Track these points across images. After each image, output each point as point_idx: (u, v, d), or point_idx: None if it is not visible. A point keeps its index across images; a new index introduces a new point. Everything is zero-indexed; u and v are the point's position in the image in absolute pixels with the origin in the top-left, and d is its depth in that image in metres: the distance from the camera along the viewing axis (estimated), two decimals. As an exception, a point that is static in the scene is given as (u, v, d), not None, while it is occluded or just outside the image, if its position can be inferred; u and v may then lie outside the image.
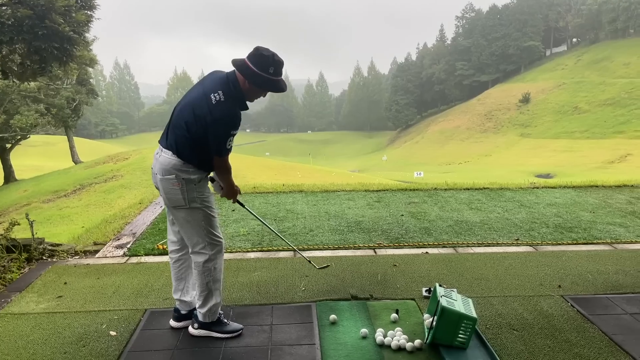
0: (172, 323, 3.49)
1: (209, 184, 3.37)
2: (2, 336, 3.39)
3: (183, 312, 3.48)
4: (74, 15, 5.21)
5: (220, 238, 3.29)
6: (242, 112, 3.08)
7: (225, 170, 3.21)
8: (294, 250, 3.77)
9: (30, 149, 50.29)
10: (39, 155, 50.36)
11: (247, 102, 3.15)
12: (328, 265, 3.50)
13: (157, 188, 3.26)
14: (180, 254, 3.44)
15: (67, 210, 15.20)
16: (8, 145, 28.50)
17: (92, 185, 18.86)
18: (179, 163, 3.07)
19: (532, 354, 3.10)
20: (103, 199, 15.77)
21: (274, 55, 3.03)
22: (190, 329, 3.37)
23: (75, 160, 33.39)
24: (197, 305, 3.33)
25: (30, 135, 29.87)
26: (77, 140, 37.85)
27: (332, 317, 3.55)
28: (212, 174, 3.34)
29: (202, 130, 2.99)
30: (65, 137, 36.34)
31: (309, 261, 3.62)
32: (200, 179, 3.15)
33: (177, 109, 3.15)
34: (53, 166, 33.00)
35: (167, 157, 3.10)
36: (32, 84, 22.73)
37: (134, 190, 15.61)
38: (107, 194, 16.30)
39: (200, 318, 3.32)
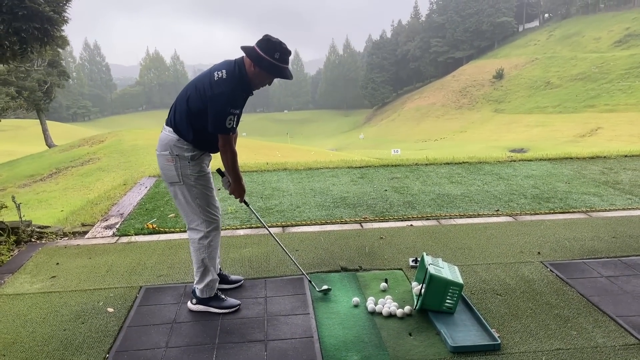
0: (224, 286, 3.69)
1: (221, 181, 3.47)
2: (-1, 316, 3.43)
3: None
4: (53, -6, 5.15)
5: (216, 215, 3.37)
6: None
7: (229, 155, 3.20)
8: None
9: (0, 134, 49.09)
10: (9, 140, 49.16)
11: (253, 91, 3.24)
12: (329, 289, 3.64)
13: None
14: None
15: (44, 195, 15.00)
16: (-22, 130, 27.81)
17: (69, 169, 18.61)
18: (175, 139, 3.16)
19: (515, 316, 3.27)
20: (81, 182, 15.60)
21: (281, 42, 3.11)
22: (188, 304, 3.47)
23: (49, 144, 32.75)
24: (194, 281, 3.42)
25: (0, 120, 29.15)
26: (49, 123, 37.02)
27: (324, 286, 3.68)
28: (223, 169, 3.41)
29: (202, 104, 3.07)
30: (37, 120, 35.59)
31: (310, 281, 3.74)
32: (195, 157, 3.21)
33: (183, 88, 3.25)
34: (25, 150, 32.32)
35: (166, 133, 3.22)
36: (2, 66, 22.10)
37: (112, 173, 15.47)
38: (85, 177, 16.12)
39: (198, 294, 3.41)
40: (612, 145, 27.74)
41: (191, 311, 3.43)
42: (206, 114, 3.07)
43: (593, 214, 5.44)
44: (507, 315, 3.28)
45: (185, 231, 5.03)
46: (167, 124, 3.25)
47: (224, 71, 3.08)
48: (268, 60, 3.07)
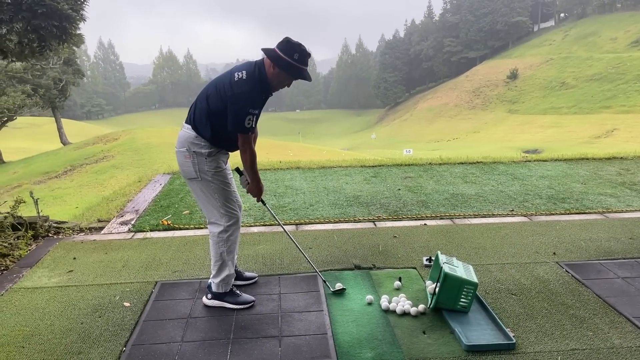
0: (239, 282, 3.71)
1: (238, 178, 3.52)
2: (18, 309, 3.48)
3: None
4: (72, -8, 5.22)
5: (236, 210, 3.41)
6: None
7: (248, 154, 3.24)
8: (297, 246, 3.92)
9: (16, 131, 49.66)
10: (25, 137, 49.74)
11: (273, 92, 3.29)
12: (344, 289, 3.67)
13: None
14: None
15: (59, 191, 15.18)
16: (-6, 127, 28.21)
17: (83, 166, 18.81)
18: (193, 136, 3.22)
19: (530, 316, 3.26)
20: (95, 179, 15.76)
21: (300, 44, 3.15)
22: (204, 299, 3.50)
23: (64, 142, 33.12)
24: (211, 275, 3.45)
25: (16, 117, 29.54)
26: (64, 121, 37.43)
27: (338, 285, 3.68)
28: (241, 169, 3.45)
29: (221, 103, 3.11)
30: (51, 118, 36.01)
31: (324, 281, 3.78)
32: (212, 154, 3.25)
33: (204, 87, 3.32)
34: (40, 148, 32.71)
35: (185, 130, 3.28)
36: (18, 64, 22.40)
37: (126, 171, 15.60)
38: (99, 175, 16.28)
39: (213, 288, 3.44)
40: (629, 147, 27.42)
41: (206, 306, 3.46)
42: (225, 113, 3.11)
43: (609, 214, 5.39)
44: (522, 315, 3.27)
45: (199, 228, 5.10)
46: (186, 122, 3.31)
47: (244, 72, 3.13)
48: (287, 60, 3.10)
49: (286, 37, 3.19)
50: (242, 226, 5.15)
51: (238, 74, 3.12)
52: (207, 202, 3.33)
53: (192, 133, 3.23)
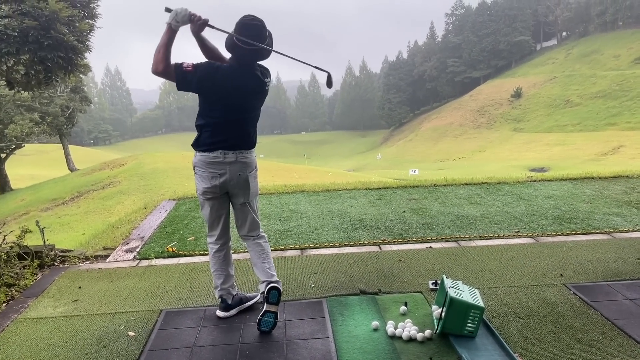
0: (221, 313, 3.70)
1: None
2: (23, 340, 3.48)
3: (230, 301, 3.71)
4: (77, 25, 5.29)
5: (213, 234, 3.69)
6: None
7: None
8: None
9: (24, 158, 50.12)
10: (33, 164, 50.17)
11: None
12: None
13: None
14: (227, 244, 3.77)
15: (66, 218, 15.23)
16: (3, 155, 28.44)
17: (90, 193, 18.88)
18: (254, 156, 3.61)
19: (538, 340, 3.22)
20: (102, 205, 15.81)
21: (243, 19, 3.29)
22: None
23: (71, 168, 33.34)
24: (275, 276, 3.58)
25: (24, 145, 29.85)
26: (71, 147, 37.75)
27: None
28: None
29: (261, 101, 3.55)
30: (59, 145, 36.30)
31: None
32: (197, 165, 3.48)
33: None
34: (48, 174, 32.94)
35: (248, 154, 3.59)
36: (26, 92, 22.73)
37: (133, 196, 15.65)
38: (106, 201, 16.34)
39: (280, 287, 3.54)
40: (635, 164, 27.29)
41: (209, 334, 3.44)
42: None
43: (616, 234, 5.34)
44: (529, 339, 3.23)
45: (204, 254, 5.09)
46: (246, 149, 3.49)
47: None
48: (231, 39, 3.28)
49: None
50: (246, 252, 5.15)
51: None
52: (258, 212, 3.70)
53: (253, 151, 3.53)
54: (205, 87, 3.28)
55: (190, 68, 3.20)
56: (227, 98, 3.31)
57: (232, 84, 3.29)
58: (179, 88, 3.29)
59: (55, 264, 5.02)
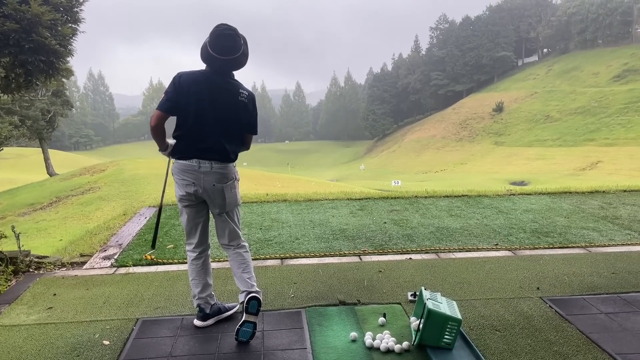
0: (199, 323, 3.66)
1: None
2: (-6, 348, 3.40)
3: (207, 311, 3.67)
4: (60, 28, 5.25)
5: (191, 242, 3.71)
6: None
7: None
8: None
9: (2, 162, 49.27)
10: (11, 168, 49.30)
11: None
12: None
13: None
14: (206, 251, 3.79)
15: (43, 224, 14.98)
16: (-20, 158, 27.96)
17: (69, 198, 18.62)
18: (233, 166, 3.60)
19: (514, 353, 3.24)
20: (80, 211, 15.59)
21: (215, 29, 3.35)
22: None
23: (50, 173, 32.85)
24: (255, 286, 3.57)
25: (3, 148, 29.35)
26: (51, 152, 37.23)
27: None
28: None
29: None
30: (38, 149, 35.82)
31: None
32: (174, 172, 3.52)
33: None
34: (27, 179, 32.38)
35: (225, 165, 3.57)
36: (5, 95, 22.39)
37: (112, 202, 15.47)
38: (85, 207, 16.12)
39: (259, 296, 3.52)
40: (612, 179, 27.78)
41: (185, 344, 3.40)
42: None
43: (592, 249, 5.43)
44: (505, 352, 3.25)
45: (183, 263, 5.05)
46: (222, 161, 3.46)
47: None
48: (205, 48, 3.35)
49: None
50: (226, 260, 5.12)
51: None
52: (239, 225, 3.69)
53: (232, 164, 3.50)
54: (182, 94, 3.33)
55: (167, 94, 3.34)
56: (201, 108, 3.34)
57: (208, 95, 3.34)
58: (173, 113, 3.36)
59: (30, 270, 4.93)
